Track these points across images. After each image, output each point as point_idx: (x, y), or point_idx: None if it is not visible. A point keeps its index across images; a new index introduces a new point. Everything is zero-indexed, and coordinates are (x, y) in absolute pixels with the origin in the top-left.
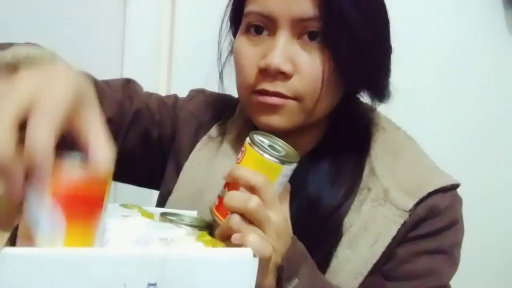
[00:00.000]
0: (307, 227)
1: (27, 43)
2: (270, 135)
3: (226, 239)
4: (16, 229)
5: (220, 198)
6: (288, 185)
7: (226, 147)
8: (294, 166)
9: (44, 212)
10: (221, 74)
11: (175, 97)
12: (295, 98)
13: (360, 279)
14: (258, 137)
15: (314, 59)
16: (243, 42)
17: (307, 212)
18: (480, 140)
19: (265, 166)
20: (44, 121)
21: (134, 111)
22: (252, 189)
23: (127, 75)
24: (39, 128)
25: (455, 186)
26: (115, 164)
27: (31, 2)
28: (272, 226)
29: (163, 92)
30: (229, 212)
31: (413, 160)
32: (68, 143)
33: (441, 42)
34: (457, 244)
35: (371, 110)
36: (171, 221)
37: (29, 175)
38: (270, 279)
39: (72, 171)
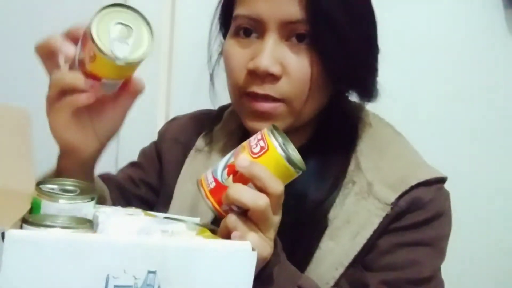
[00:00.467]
0: (293, 222)
1: None
2: (286, 136)
3: (226, 238)
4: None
5: (218, 182)
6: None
7: (216, 157)
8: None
9: None
10: (211, 76)
11: (153, 141)
12: (284, 100)
13: (341, 270)
14: (280, 139)
15: (302, 61)
16: (233, 45)
17: (293, 207)
18: (480, 140)
19: (283, 171)
20: None
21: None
22: (265, 192)
23: None
24: None
25: (440, 180)
26: None
27: (31, 2)
28: (272, 227)
29: (163, 92)
30: (222, 199)
31: (398, 154)
32: None
33: (441, 42)
34: (443, 237)
35: (360, 108)
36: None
37: None
38: None
39: None
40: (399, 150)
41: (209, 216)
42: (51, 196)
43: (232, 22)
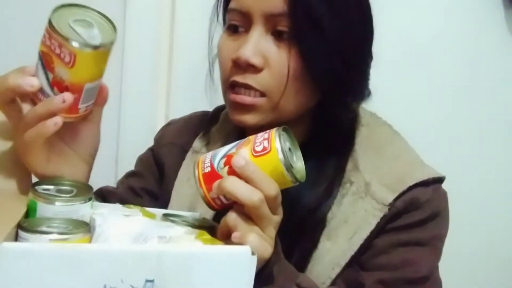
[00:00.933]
0: (290, 222)
1: None
2: (296, 143)
3: (226, 238)
4: (18, 224)
5: (213, 169)
6: None
7: None
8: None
9: None
10: (210, 72)
11: (149, 148)
12: (264, 93)
13: (338, 270)
14: (287, 144)
15: (282, 54)
16: (224, 39)
17: (290, 208)
18: (479, 140)
19: (279, 178)
20: None
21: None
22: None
23: (127, 75)
24: None
25: (438, 180)
26: None
27: (31, 2)
28: (272, 225)
29: (163, 92)
30: (213, 187)
31: (396, 154)
32: None
33: (441, 41)
34: (440, 237)
35: (357, 107)
36: (172, 221)
37: None
38: None
39: None
40: (396, 150)
41: (208, 217)
42: (47, 198)
43: (227, 16)
